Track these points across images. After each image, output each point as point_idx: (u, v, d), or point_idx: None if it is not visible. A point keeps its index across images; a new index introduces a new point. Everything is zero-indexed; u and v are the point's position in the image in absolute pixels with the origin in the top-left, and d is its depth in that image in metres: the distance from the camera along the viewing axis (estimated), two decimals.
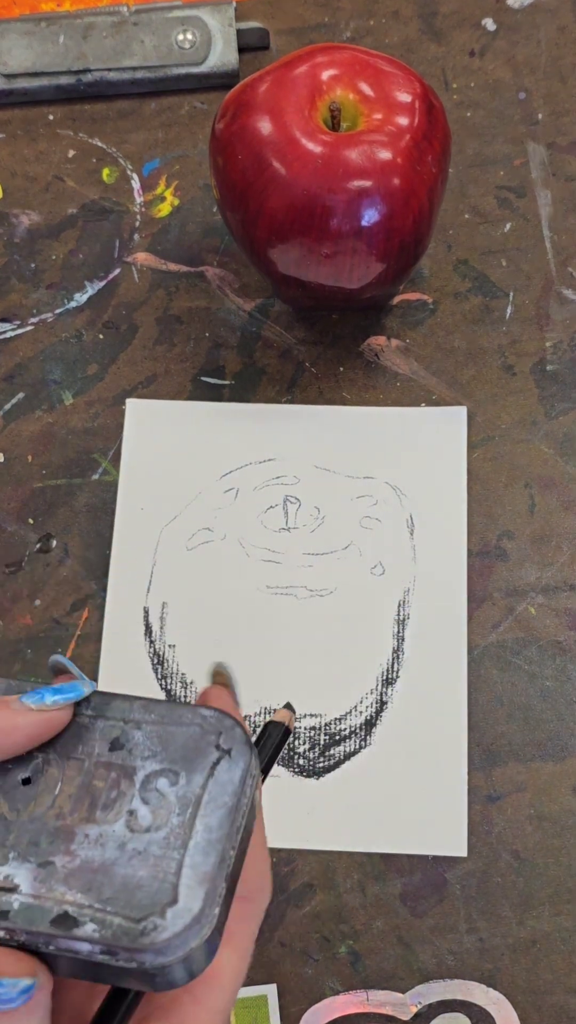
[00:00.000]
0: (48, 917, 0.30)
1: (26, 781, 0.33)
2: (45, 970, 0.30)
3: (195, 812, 0.32)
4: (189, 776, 0.32)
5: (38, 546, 0.56)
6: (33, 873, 0.31)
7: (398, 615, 0.54)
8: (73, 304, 0.60)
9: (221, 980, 0.33)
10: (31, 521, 0.57)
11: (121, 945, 0.30)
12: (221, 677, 0.39)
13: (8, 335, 0.60)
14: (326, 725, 0.53)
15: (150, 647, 0.54)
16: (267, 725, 0.39)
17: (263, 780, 0.37)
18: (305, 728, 0.53)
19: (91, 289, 0.60)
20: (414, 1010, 0.50)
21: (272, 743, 0.39)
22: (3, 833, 0.32)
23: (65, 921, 0.30)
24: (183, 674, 0.54)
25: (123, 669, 0.54)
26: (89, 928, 0.30)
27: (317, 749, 0.53)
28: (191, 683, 0.54)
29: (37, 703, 0.33)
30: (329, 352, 0.59)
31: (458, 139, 0.61)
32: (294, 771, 0.52)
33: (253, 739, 0.36)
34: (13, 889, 0.31)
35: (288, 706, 0.41)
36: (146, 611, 0.55)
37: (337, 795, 0.52)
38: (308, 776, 0.52)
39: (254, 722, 0.53)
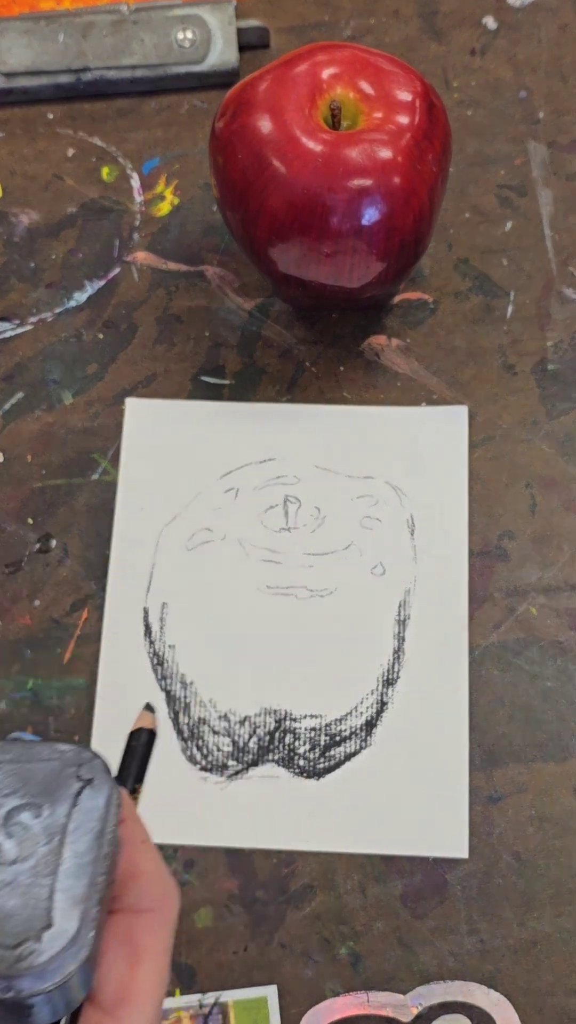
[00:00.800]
0: None
1: None
2: None
3: (62, 839, 0.32)
4: (53, 807, 0.32)
5: (38, 546, 0.56)
6: None
7: (399, 615, 0.54)
8: (73, 303, 0.60)
9: (141, 997, 0.33)
10: (31, 521, 0.57)
11: None
12: (146, 719, 0.40)
13: (7, 335, 0.59)
14: (326, 726, 0.53)
15: (150, 647, 0.54)
16: (130, 735, 0.40)
17: (140, 788, 0.37)
18: (305, 729, 0.53)
19: (91, 288, 0.60)
20: (415, 1011, 0.50)
21: (139, 750, 0.40)
22: None
23: None
24: (183, 674, 0.54)
25: (123, 669, 0.54)
26: None
27: (317, 750, 0.53)
28: (191, 683, 0.54)
29: None
30: (329, 352, 0.59)
31: (459, 138, 0.61)
32: (294, 772, 0.52)
33: (123, 748, 0.36)
34: None
35: (148, 707, 0.41)
36: (146, 611, 0.55)
37: (337, 796, 0.52)
38: (308, 777, 0.52)
39: (255, 722, 0.53)
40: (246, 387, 0.58)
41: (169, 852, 0.52)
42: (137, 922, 0.33)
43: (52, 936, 0.30)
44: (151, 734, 0.41)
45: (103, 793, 0.33)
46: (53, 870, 0.31)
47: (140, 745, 0.40)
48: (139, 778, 0.39)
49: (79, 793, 0.32)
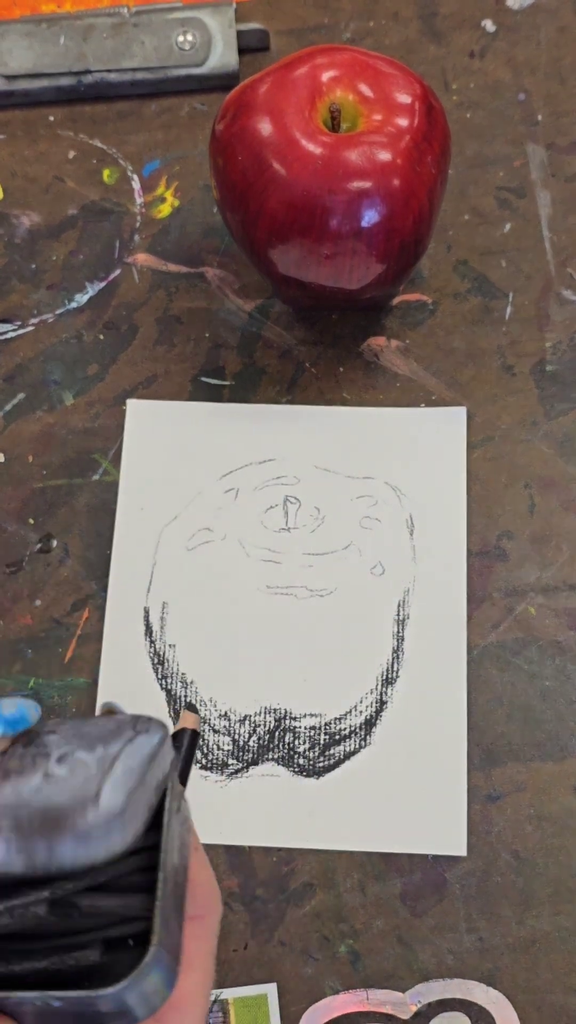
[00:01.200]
0: None
1: None
2: None
3: (113, 761, 0.33)
4: (106, 747, 0.33)
5: (38, 546, 0.56)
6: None
7: (398, 615, 0.55)
8: (73, 305, 0.60)
9: (188, 1003, 0.33)
10: (31, 521, 0.57)
11: (40, 863, 0.31)
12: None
13: (9, 336, 0.60)
14: (326, 725, 0.53)
15: (150, 647, 0.55)
16: (173, 736, 0.40)
17: (183, 787, 0.37)
18: (305, 727, 0.53)
19: (91, 290, 0.60)
20: (414, 1009, 0.50)
21: (183, 752, 0.40)
22: None
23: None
24: (183, 674, 0.54)
25: (123, 669, 0.54)
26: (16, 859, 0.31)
27: (317, 749, 0.53)
28: (191, 683, 0.54)
29: None
30: (329, 352, 0.59)
31: (458, 140, 0.62)
32: (294, 771, 0.53)
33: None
34: None
35: (190, 707, 0.41)
36: (146, 611, 0.55)
37: (337, 795, 0.52)
38: (308, 776, 0.53)
39: (255, 721, 0.53)
40: (246, 388, 0.58)
41: None
42: (185, 928, 0.34)
43: (98, 808, 0.31)
44: (194, 734, 0.41)
45: (157, 735, 0.33)
46: (103, 775, 0.32)
47: (183, 747, 0.40)
48: (183, 779, 0.39)
49: (133, 738, 0.33)
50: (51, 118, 0.63)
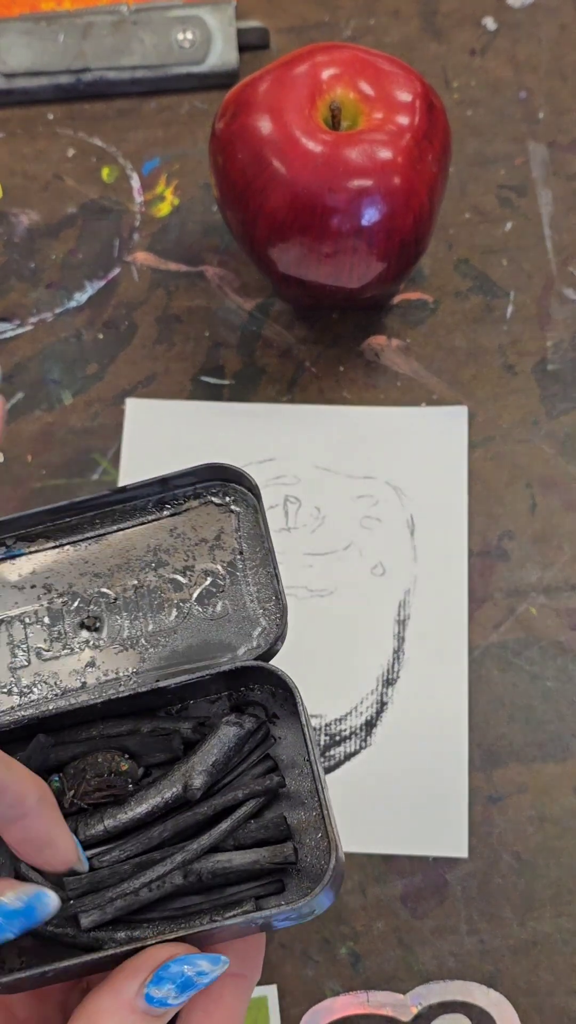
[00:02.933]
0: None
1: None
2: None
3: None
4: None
5: None
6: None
7: (398, 615, 0.54)
8: (73, 304, 0.60)
9: None
10: None
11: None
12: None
13: (7, 335, 0.59)
14: (326, 726, 0.53)
15: None
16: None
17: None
18: None
19: (91, 288, 0.60)
20: (414, 1011, 0.50)
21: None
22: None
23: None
24: None
25: None
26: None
27: (317, 749, 0.53)
28: None
29: None
30: (329, 351, 0.59)
31: (459, 138, 0.61)
32: None
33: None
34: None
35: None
36: None
37: (337, 796, 0.52)
38: None
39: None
40: (246, 387, 0.58)
41: None
42: (226, 983, 0.35)
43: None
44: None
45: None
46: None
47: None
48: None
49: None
50: (50, 116, 0.63)
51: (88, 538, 0.41)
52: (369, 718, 0.53)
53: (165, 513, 0.41)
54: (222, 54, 0.62)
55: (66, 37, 0.62)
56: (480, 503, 0.56)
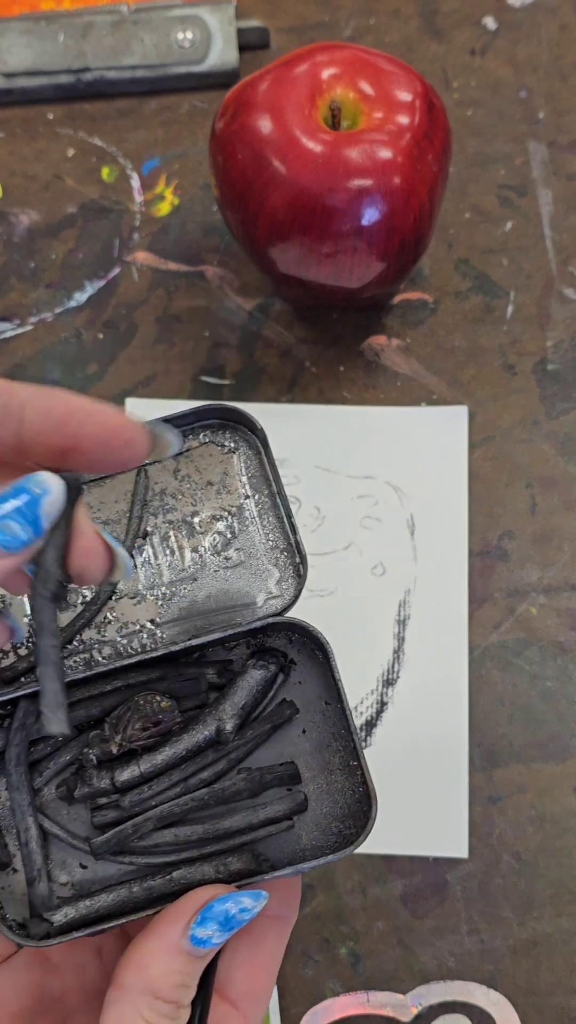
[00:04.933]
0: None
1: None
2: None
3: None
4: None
5: None
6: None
7: (399, 615, 0.54)
8: (73, 303, 0.60)
9: (262, 994, 0.37)
10: None
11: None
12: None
13: (8, 335, 0.59)
14: None
15: None
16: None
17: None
18: None
19: (91, 288, 0.60)
20: (415, 1011, 0.50)
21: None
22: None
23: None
24: None
25: None
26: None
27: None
28: None
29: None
30: (329, 351, 0.59)
31: (459, 138, 0.61)
32: None
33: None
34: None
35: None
36: None
37: None
38: None
39: None
40: (246, 387, 0.58)
41: None
42: (269, 925, 0.37)
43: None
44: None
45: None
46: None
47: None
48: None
49: None
50: (50, 116, 0.63)
51: (89, 481, 0.41)
52: (369, 718, 0.53)
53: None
54: (222, 54, 0.62)
55: (66, 37, 0.62)
56: (480, 503, 0.56)
